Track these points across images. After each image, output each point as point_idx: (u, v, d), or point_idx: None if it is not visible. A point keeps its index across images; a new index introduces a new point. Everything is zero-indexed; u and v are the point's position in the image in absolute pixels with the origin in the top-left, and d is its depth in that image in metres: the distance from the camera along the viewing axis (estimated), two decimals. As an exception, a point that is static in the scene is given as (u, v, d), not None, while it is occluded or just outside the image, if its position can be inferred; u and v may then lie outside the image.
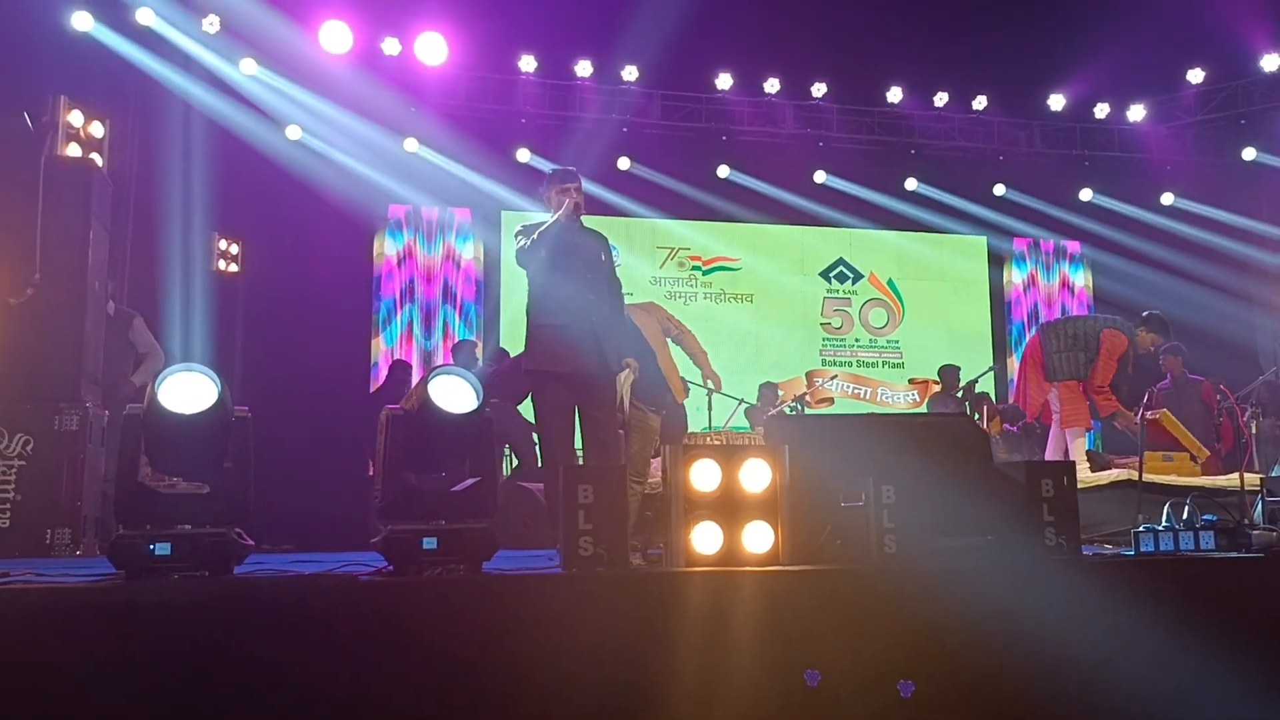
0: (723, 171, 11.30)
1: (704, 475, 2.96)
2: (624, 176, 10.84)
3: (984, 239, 12.17)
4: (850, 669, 2.64)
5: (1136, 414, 6.30)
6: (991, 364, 11.14)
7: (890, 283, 12.03)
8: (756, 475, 2.98)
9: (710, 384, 5.92)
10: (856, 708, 2.62)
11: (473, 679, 2.47)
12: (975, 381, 9.87)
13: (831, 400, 11.31)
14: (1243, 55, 10.82)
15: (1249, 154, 11.50)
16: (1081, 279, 12.49)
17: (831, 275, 11.92)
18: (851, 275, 11.97)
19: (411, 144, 10.27)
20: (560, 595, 2.64)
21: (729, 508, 2.94)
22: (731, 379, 9.68)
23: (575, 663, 2.51)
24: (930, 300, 12.07)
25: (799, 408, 8.86)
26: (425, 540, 2.78)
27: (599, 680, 2.51)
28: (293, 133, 9.78)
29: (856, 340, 11.84)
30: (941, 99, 11.35)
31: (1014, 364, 11.01)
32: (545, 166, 10.49)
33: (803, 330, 11.70)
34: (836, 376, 11.45)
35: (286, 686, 2.36)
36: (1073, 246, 12.45)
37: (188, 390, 2.76)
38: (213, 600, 2.45)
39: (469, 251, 10.96)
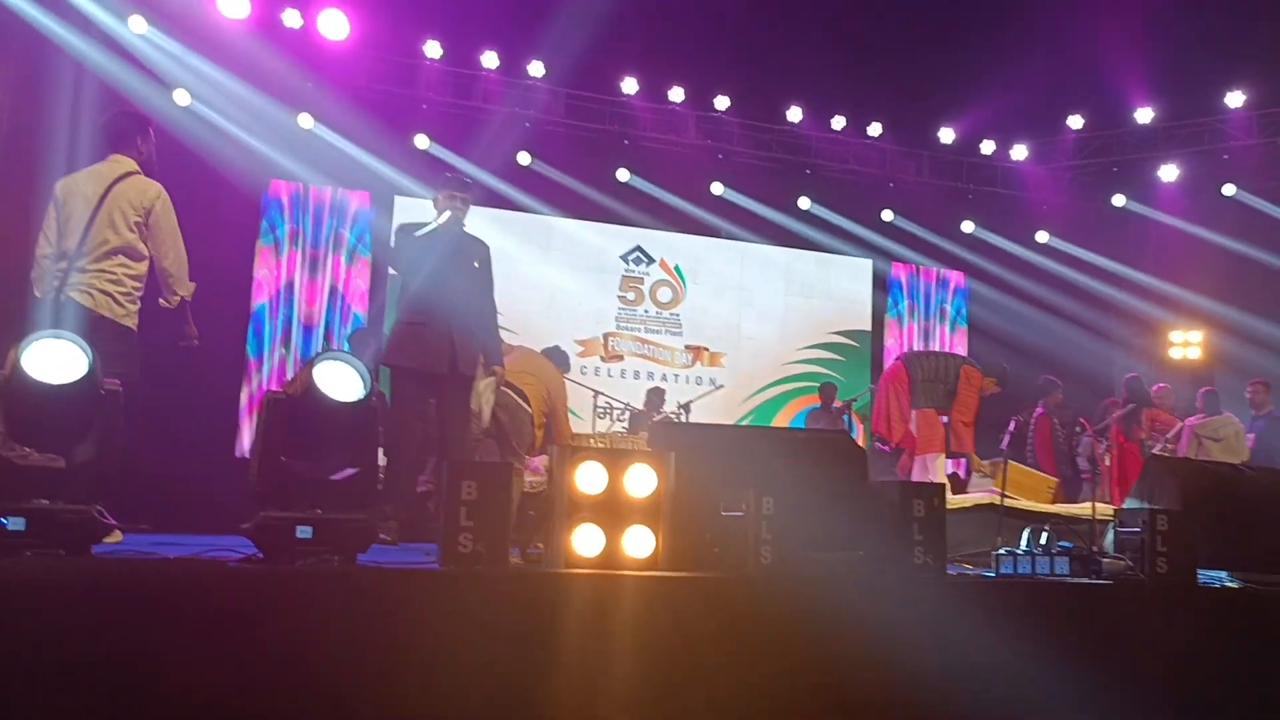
0: (622, 175, 11.33)
1: (589, 478, 2.96)
2: (523, 172, 10.75)
3: (869, 262, 12.52)
4: (725, 673, 2.69)
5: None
6: (870, 384, 11.44)
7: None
8: (642, 480, 2.99)
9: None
10: (730, 710, 2.66)
11: (344, 674, 2.41)
12: (854, 400, 10.15)
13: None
14: (1118, 106, 11.42)
15: (1119, 200, 12.14)
16: (958, 308, 12.94)
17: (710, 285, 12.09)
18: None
19: (306, 119, 9.98)
20: (437, 592, 2.61)
21: (612, 511, 2.95)
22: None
23: (450, 660, 2.48)
24: (815, 318, 12.34)
25: (683, 415, 8.95)
26: (300, 529, 2.71)
27: (474, 679, 2.49)
28: (180, 98, 9.38)
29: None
30: (839, 122, 11.63)
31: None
32: (444, 155, 10.40)
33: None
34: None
35: (144, 674, 2.26)
36: (953, 276, 12.89)
37: (55, 359, 2.63)
38: (70, 581, 2.34)
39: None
